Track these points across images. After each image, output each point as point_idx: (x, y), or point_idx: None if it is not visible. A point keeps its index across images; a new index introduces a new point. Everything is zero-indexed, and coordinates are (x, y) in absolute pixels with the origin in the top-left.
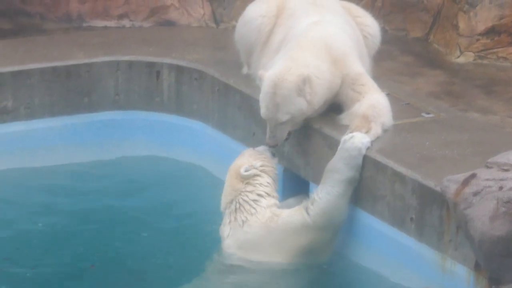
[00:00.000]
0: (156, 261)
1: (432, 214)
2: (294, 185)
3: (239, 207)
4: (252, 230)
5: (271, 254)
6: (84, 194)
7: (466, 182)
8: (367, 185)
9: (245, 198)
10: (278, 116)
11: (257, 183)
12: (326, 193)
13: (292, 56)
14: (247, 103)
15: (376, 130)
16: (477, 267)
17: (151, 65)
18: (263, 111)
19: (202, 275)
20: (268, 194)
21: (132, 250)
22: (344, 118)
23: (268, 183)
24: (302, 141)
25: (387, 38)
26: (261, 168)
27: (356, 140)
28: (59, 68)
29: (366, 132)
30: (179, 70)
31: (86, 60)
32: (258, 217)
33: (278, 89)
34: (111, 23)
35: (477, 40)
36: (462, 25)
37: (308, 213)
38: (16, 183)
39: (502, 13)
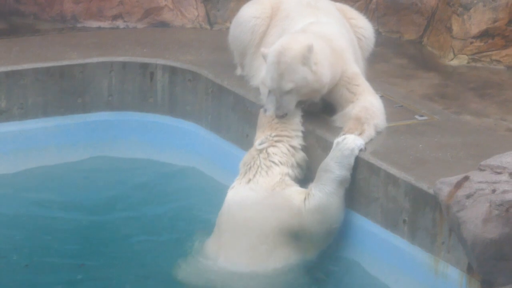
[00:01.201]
0: (147, 261)
1: (425, 216)
2: None
3: (252, 169)
4: (256, 188)
5: (261, 221)
6: (77, 194)
7: (459, 185)
8: (360, 187)
9: (259, 163)
10: (282, 85)
11: (271, 152)
12: (319, 191)
13: (294, 33)
14: (241, 105)
15: (370, 132)
16: (469, 270)
17: (145, 66)
18: (268, 82)
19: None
20: (282, 163)
21: (123, 250)
22: (337, 120)
23: (283, 152)
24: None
25: (381, 41)
26: (276, 138)
27: (349, 141)
28: (52, 68)
29: (360, 134)
30: (172, 71)
31: (80, 61)
32: (267, 179)
33: (282, 57)
34: (105, 24)
35: (471, 43)
36: (456, 27)
37: (304, 204)
38: (8, 183)
39: (496, 16)
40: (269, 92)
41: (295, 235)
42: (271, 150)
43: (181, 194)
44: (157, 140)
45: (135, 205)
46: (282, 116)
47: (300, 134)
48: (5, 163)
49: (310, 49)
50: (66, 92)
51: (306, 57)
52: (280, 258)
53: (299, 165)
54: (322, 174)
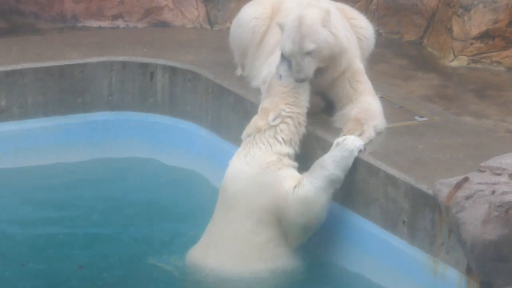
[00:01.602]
0: (146, 263)
1: (424, 217)
2: None
3: (254, 142)
4: (251, 162)
5: (249, 196)
6: (76, 194)
7: (458, 186)
8: (359, 188)
9: (263, 137)
10: (305, 45)
11: (279, 129)
12: (309, 183)
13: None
14: (241, 105)
15: (369, 133)
16: (468, 271)
17: (145, 66)
18: (288, 46)
19: None
20: (285, 142)
21: (121, 251)
22: (336, 121)
23: (290, 130)
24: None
25: (381, 41)
26: (288, 114)
27: (349, 142)
28: (52, 68)
29: (359, 135)
30: (173, 71)
31: (80, 60)
32: (265, 155)
33: (303, 20)
34: (105, 24)
35: (471, 44)
36: (456, 29)
37: (293, 191)
38: (8, 183)
39: (496, 17)
40: (282, 59)
41: (277, 218)
42: (280, 127)
43: (181, 194)
44: (157, 140)
45: (135, 204)
46: (302, 80)
47: (306, 110)
48: (5, 163)
49: (329, 12)
50: (66, 91)
51: (326, 20)
52: (263, 237)
53: (300, 142)
54: (317, 168)
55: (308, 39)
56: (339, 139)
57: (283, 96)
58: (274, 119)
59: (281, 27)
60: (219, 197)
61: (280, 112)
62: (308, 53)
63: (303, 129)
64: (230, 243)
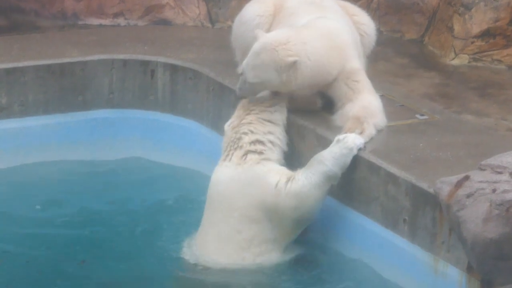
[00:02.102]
0: (148, 259)
1: (425, 215)
2: None
3: (227, 147)
4: (229, 164)
5: (229, 196)
6: (77, 192)
7: (459, 184)
8: (360, 186)
9: (232, 138)
10: (248, 75)
11: (240, 125)
12: (305, 178)
13: (299, 29)
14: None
15: (370, 131)
16: (469, 269)
17: (145, 63)
18: (241, 64)
19: None
20: (252, 132)
21: (124, 247)
22: (337, 119)
23: (250, 123)
24: (296, 141)
25: (382, 40)
26: (246, 112)
27: (349, 139)
28: (53, 65)
29: (360, 133)
30: (173, 69)
31: (81, 58)
32: (238, 151)
33: (262, 53)
34: (106, 21)
35: (472, 42)
36: (457, 27)
37: (285, 186)
38: (9, 180)
39: (497, 15)
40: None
41: (266, 214)
42: (241, 124)
43: (182, 192)
44: (158, 138)
45: (135, 202)
46: (242, 97)
47: (271, 109)
48: (6, 160)
49: (289, 65)
50: (66, 89)
51: (282, 68)
52: (247, 234)
53: (271, 133)
54: (314, 164)
55: (253, 72)
56: (340, 136)
57: (241, 113)
58: (228, 124)
59: (255, 38)
60: (206, 203)
61: (236, 116)
62: (251, 83)
63: (271, 126)
64: (216, 243)
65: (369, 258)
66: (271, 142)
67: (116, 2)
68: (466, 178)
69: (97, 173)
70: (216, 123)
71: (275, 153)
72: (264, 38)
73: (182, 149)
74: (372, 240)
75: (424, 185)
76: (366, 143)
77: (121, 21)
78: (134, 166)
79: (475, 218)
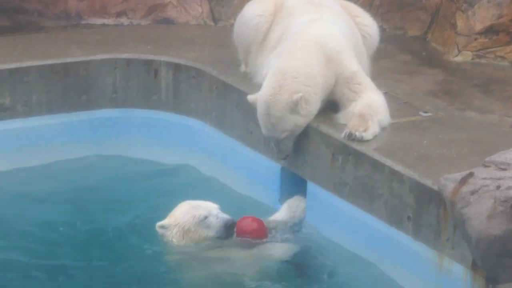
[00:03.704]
0: (152, 259)
1: (429, 213)
2: (292, 184)
3: None
4: None
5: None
6: (81, 191)
7: (463, 181)
8: (364, 183)
9: None
10: (277, 135)
11: None
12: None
13: (281, 68)
14: (245, 102)
15: (374, 128)
16: (474, 266)
17: (149, 63)
18: (263, 131)
19: None
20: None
21: (129, 248)
22: (341, 117)
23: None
24: (300, 139)
25: (385, 37)
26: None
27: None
28: (56, 65)
29: (364, 131)
30: (177, 68)
31: (84, 58)
32: None
33: (272, 111)
34: (109, 21)
35: (475, 39)
36: (460, 24)
37: None
38: (13, 181)
39: (500, 12)
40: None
41: None
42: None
43: (185, 191)
44: (161, 137)
45: (139, 201)
46: (285, 158)
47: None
48: (9, 160)
49: (296, 101)
50: (70, 89)
51: (293, 108)
52: None
53: None
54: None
55: (279, 130)
56: (343, 134)
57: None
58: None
59: (252, 105)
60: None
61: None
62: (282, 139)
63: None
64: None
65: (373, 255)
66: None
67: (119, 2)
68: (470, 175)
69: (101, 173)
70: (220, 122)
71: None
72: (261, 99)
73: (186, 148)
74: (376, 238)
75: (428, 182)
76: (370, 140)
77: (124, 20)
78: (137, 165)
79: (480, 215)
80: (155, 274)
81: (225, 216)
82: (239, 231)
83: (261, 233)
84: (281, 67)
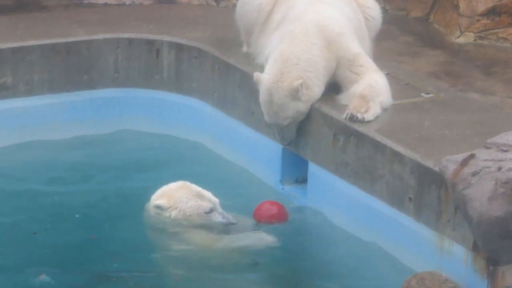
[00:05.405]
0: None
1: (431, 194)
2: (293, 164)
3: None
4: None
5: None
6: (83, 170)
7: (465, 163)
8: (366, 164)
9: None
10: (280, 122)
11: None
12: None
13: (283, 54)
14: (247, 82)
15: (375, 109)
16: (475, 248)
17: (151, 42)
18: (266, 118)
19: None
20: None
21: (131, 223)
22: (342, 98)
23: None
24: (302, 120)
25: (387, 18)
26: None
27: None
28: (59, 45)
29: (365, 112)
30: (179, 48)
31: (86, 37)
32: None
33: (274, 98)
34: (111, 0)
35: (478, 20)
36: (462, 5)
37: None
38: (15, 159)
39: None
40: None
41: None
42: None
43: (187, 171)
44: (163, 117)
45: (141, 180)
46: (288, 144)
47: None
48: (11, 139)
49: (297, 88)
50: (72, 68)
51: (295, 95)
52: None
53: None
54: None
55: (281, 117)
56: (344, 115)
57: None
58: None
59: (257, 83)
60: None
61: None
62: (286, 125)
63: None
64: None
65: (374, 236)
66: None
67: None
68: (472, 156)
69: (102, 152)
70: (221, 102)
71: None
72: (263, 86)
73: (187, 128)
74: (377, 219)
75: (429, 163)
76: (371, 121)
77: (126, 0)
78: (139, 145)
79: (481, 196)
80: (161, 248)
81: (230, 217)
82: (259, 216)
83: (282, 217)
84: (283, 53)
